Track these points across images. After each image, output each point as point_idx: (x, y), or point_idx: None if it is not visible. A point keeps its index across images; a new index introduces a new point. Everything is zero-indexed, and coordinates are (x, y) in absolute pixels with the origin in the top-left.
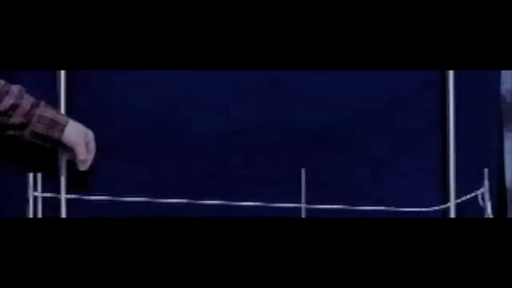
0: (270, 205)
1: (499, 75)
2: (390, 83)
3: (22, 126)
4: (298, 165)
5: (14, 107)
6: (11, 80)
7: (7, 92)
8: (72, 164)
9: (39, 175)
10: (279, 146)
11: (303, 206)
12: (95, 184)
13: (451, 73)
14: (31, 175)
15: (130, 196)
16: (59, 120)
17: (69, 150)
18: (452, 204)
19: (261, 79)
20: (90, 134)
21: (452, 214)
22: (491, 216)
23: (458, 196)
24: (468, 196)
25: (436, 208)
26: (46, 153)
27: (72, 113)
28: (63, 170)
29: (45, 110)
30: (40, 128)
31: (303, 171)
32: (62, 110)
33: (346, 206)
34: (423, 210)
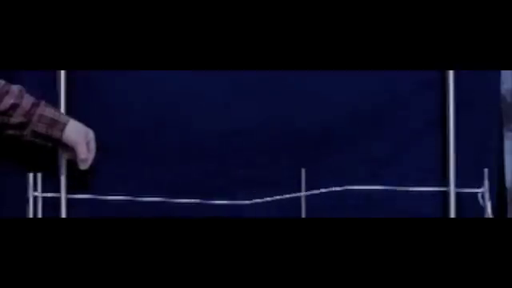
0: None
1: (499, 75)
2: (390, 83)
3: (23, 126)
4: (298, 165)
5: (15, 107)
6: (11, 80)
7: (7, 92)
8: (72, 164)
9: (39, 175)
10: (279, 145)
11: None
12: (95, 184)
13: (451, 73)
14: (31, 175)
15: (130, 196)
16: (59, 119)
17: (69, 149)
18: (452, 203)
19: (261, 79)
20: (91, 133)
21: (452, 214)
22: (491, 216)
23: (458, 196)
24: (468, 196)
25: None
26: (46, 153)
27: (72, 113)
28: (63, 169)
29: (45, 110)
30: (40, 127)
31: (303, 171)
32: (62, 110)
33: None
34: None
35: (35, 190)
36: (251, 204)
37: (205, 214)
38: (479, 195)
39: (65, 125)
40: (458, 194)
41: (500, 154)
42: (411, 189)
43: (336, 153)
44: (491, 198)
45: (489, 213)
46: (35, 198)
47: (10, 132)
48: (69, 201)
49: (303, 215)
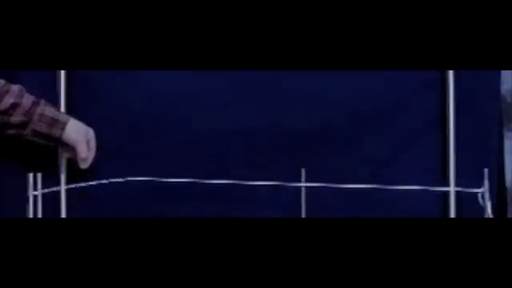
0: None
1: (499, 75)
2: (390, 83)
3: (23, 125)
4: (298, 165)
5: (15, 106)
6: (11, 80)
7: (7, 91)
8: (72, 163)
9: (39, 175)
10: (279, 145)
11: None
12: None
13: (451, 73)
14: (31, 175)
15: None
16: (60, 118)
17: (69, 148)
18: (452, 204)
19: (261, 79)
20: (91, 132)
21: (452, 214)
22: (491, 216)
23: (458, 196)
24: (468, 195)
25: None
26: (46, 152)
27: (72, 113)
28: (63, 169)
29: (45, 109)
30: (41, 127)
31: (303, 171)
32: (62, 110)
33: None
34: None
35: (35, 189)
36: (253, 204)
37: (205, 214)
38: (479, 195)
39: (65, 124)
40: (457, 194)
41: (500, 154)
42: (411, 188)
43: (336, 153)
44: (491, 198)
45: (489, 213)
46: (35, 197)
47: (11, 131)
48: (69, 201)
49: (303, 215)
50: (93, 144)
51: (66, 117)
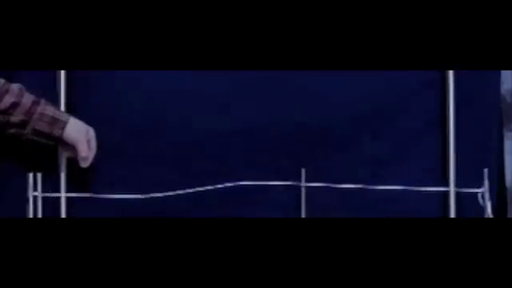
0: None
1: (499, 75)
2: (390, 83)
3: (23, 124)
4: (298, 165)
5: (15, 105)
6: (11, 80)
7: (7, 90)
8: (72, 163)
9: (39, 175)
10: (279, 146)
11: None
12: (95, 184)
13: (451, 73)
14: (31, 175)
15: (130, 196)
16: (60, 117)
17: (70, 147)
18: (452, 203)
19: (261, 79)
20: (91, 131)
21: (452, 214)
22: (491, 216)
23: (457, 196)
24: (468, 195)
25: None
26: (46, 152)
27: (72, 113)
28: (63, 169)
29: (45, 108)
30: (41, 126)
31: (303, 171)
32: (62, 109)
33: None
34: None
35: (35, 189)
36: (253, 204)
37: (204, 214)
38: (479, 195)
39: (65, 123)
40: (457, 194)
41: (500, 154)
42: (411, 189)
43: (336, 153)
44: (491, 198)
45: (489, 213)
46: (35, 197)
47: (11, 131)
48: (69, 200)
49: (303, 215)
50: (93, 143)
51: (67, 116)
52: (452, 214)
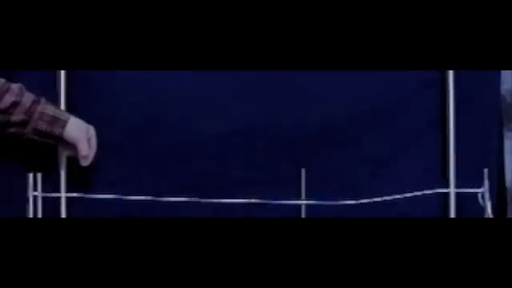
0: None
1: (499, 75)
2: (390, 83)
3: (24, 124)
4: (298, 165)
5: (15, 105)
6: (11, 80)
7: (7, 90)
8: (72, 163)
9: (39, 175)
10: (279, 146)
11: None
12: (95, 184)
13: (451, 73)
14: (31, 175)
15: (130, 195)
16: (60, 116)
17: (70, 146)
18: (452, 203)
19: (261, 79)
20: (92, 130)
21: (452, 214)
22: (491, 216)
23: (457, 196)
24: (468, 195)
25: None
26: (46, 152)
27: (72, 113)
28: (63, 169)
29: (46, 107)
30: (41, 125)
31: (303, 171)
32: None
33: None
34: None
35: (35, 189)
36: (253, 204)
37: (204, 214)
38: (479, 195)
39: (66, 122)
40: (457, 194)
41: (500, 154)
42: (411, 189)
43: (336, 153)
44: (491, 198)
45: (489, 213)
46: (35, 197)
47: (12, 130)
48: (69, 200)
49: (303, 215)
50: (94, 142)
51: (67, 115)
52: (452, 214)
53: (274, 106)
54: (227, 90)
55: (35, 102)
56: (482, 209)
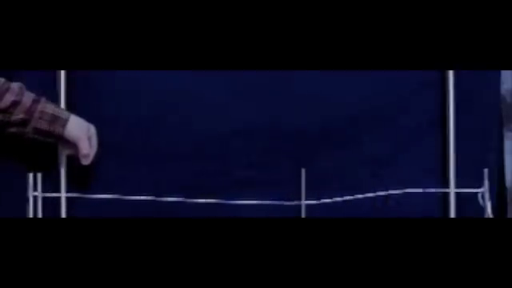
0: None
1: (499, 75)
2: (390, 83)
3: (24, 123)
4: (298, 165)
5: (15, 104)
6: (11, 80)
7: (8, 89)
8: (72, 163)
9: (39, 175)
10: (279, 145)
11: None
12: (95, 183)
13: (451, 73)
14: (31, 175)
15: (130, 195)
16: (61, 115)
17: (71, 145)
18: (452, 203)
19: (260, 79)
20: (92, 129)
21: (452, 214)
22: (491, 216)
23: (457, 196)
24: (468, 195)
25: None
26: (47, 152)
27: (72, 112)
28: (63, 169)
29: (46, 106)
30: (42, 124)
31: (303, 171)
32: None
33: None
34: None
35: (35, 189)
36: (252, 204)
37: (204, 214)
38: (479, 195)
39: (66, 120)
40: (457, 194)
41: (500, 154)
42: (411, 189)
43: (336, 153)
44: (491, 198)
45: (489, 213)
46: (35, 197)
47: (12, 130)
48: (69, 200)
49: (303, 215)
50: (94, 140)
51: (67, 113)
52: (452, 214)
53: (273, 105)
54: (227, 90)
55: (35, 101)
56: (482, 209)
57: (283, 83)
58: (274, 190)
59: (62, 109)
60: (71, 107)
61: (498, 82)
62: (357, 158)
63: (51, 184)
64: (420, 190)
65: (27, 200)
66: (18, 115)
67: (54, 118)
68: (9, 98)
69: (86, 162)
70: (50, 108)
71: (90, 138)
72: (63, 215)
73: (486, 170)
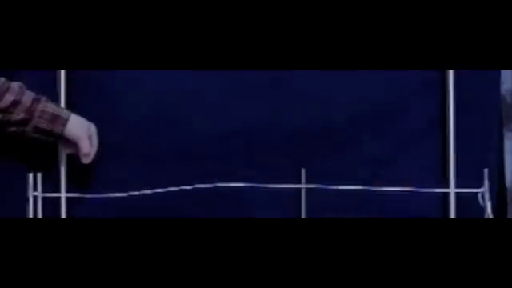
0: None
1: (499, 75)
2: (390, 83)
3: (24, 122)
4: (298, 165)
5: (16, 104)
6: (11, 79)
7: (8, 89)
8: (72, 163)
9: (39, 175)
10: (279, 145)
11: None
12: (95, 183)
13: (451, 73)
14: (31, 175)
15: (130, 195)
16: (61, 114)
17: (71, 144)
18: (452, 203)
19: (261, 79)
20: (93, 127)
21: (452, 214)
22: (491, 216)
23: (457, 196)
24: (468, 195)
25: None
26: (47, 152)
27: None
28: (63, 169)
29: (46, 105)
30: (42, 123)
31: (303, 171)
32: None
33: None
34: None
35: (35, 189)
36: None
37: (204, 214)
38: (479, 195)
39: (66, 120)
40: (457, 194)
41: (500, 154)
42: (411, 189)
43: (336, 153)
44: (491, 198)
45: (489, 213)
46: (35, 197)
47: (12, 129)
48: (69, 200)
49: (303, 215)
50: (95, 139)
51: (68, 113)
52: (452, 214)
53: (273, 105)
54: (227, 89)
55: (35, 101)
56: (482, 209)
57: (283, 83)
58: (273, 189)
59: (63, 108)
60: (71, 107)
61: (498, 82)
62: (357, 158)
63: (51, 184)
64: (420, 190)
65: (27, 200)
66: (19, 115)
67: (55, 117)
68: (9, 98)
69: (86, 160)
70: (50, 107)
71: (90, 137)
72: (63, 215)
73: (486, 170)
